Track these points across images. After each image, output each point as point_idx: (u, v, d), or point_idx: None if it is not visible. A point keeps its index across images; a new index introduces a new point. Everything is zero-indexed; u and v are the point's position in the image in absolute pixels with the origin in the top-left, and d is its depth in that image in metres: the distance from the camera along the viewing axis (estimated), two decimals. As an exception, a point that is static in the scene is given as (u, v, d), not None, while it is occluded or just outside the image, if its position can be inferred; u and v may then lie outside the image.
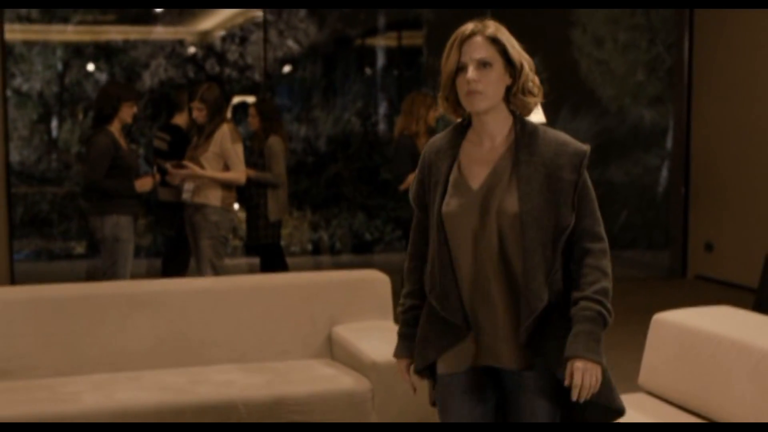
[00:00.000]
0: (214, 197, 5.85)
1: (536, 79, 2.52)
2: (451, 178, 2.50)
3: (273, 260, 6.79)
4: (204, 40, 11.43)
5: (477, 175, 2.48)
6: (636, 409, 3.33)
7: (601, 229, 2.48)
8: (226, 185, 5.93)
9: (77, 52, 10.92)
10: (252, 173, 6.38)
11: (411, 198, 2.62)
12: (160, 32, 11.35)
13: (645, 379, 3.65)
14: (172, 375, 4.10)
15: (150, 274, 8.35)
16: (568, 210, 2.42)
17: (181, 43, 11.42)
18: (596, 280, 2.42)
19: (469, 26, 2.47)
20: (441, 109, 2.53)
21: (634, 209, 10.70)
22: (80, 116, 10.62)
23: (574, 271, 2.46)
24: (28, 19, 10.36)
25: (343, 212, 10.79)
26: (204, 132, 5.94)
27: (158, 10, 10.91)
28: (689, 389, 3.38)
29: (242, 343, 4.37)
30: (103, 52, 10.97)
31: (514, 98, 2.50)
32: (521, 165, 2.43)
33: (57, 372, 4.11)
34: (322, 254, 10.70)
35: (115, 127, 5.80)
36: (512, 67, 2.47)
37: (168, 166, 5.94)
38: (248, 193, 6.57)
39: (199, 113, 5.93)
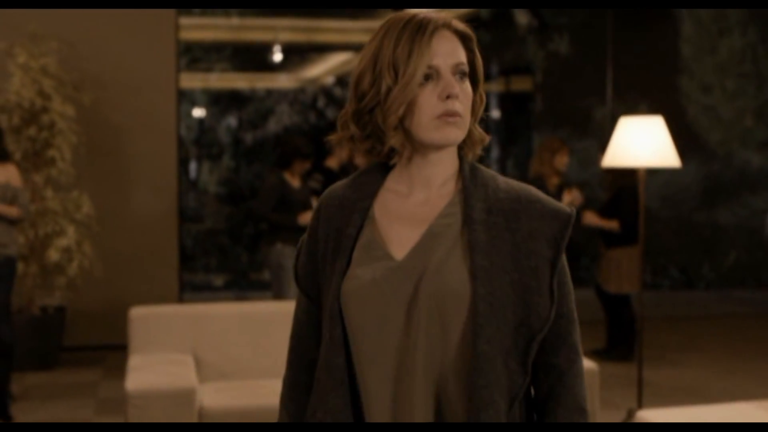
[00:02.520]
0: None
1: None
2: (360, 242, 1.64)
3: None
4: (321, 87, 12.24)
5: (402, 239, 1.62)
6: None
7: (578, 337, 1.64)
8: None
9: (214, 99, 11.89)
10: None
11: (294, 277, 1.75)
12: (283, 80, 12.23)
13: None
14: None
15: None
16: (544, 301, 1.58)
17: (303, 90, 12.28)
18: None
19: (428, 13, 1.64)
20: (344, 149, 1.88)
21: (743, 250, 11.14)
22: (223, 159, 11.54)
23: (536, 402, 1.67)
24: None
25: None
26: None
27: (277, 59, 11.80)
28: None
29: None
30: (235, 99, 11.90)
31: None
32: (475, 226, 1.58)
33: (264, 375, 4.86)
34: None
35: (288, 170, 6.68)
36: (475, 84, 1.68)
37: None
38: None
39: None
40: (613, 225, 6.97)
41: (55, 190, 6.93)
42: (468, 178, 1.65)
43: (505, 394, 1.55)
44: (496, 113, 12.09)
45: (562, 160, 7.21)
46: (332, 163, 7.73)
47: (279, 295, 6.62)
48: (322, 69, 12.37)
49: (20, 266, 6.42)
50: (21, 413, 5.70)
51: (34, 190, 6.75)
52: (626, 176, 6.90)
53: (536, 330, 1.58)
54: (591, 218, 7.01)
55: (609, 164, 5.47)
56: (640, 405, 5.37)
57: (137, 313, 4.90)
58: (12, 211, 5.70)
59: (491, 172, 1.69)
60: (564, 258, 1.63)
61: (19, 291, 6.54)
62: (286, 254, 6.59)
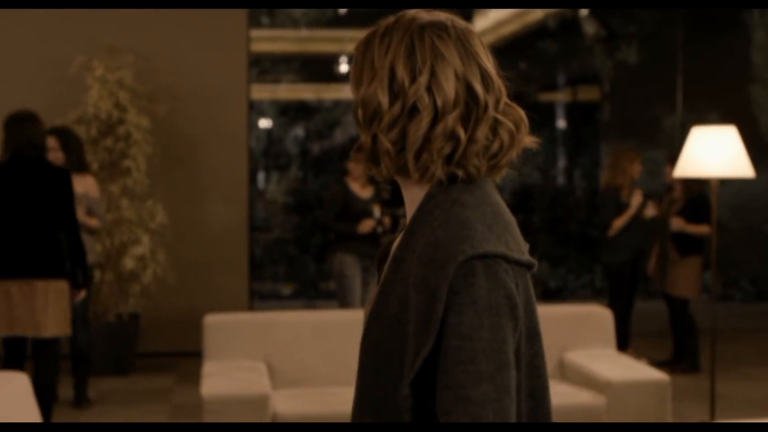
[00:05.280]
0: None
1: None
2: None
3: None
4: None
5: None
6: None
7: (464, 419, 1.34)
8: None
9: (282, 110, 12.04)
10: None
11: None
12: (349, 91, 12.31)
13: None
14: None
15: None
16: (410, 354, 1.40)
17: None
18: None
19: (448, 15, 1.55)
20: (384, 168, 1.48)
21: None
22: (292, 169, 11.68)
23: None
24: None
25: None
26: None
27: (344, 70, 11.91)
28: None
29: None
30: (302, 110, 12.04)
31: None
32: (395, 254, 1.48)
33: (335, 382, 4.93)
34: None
35: (353, 178, 6.75)
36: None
37: (404, 216, 6.82)
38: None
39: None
40: (702, 230, 6.91)
41: (131, 200, 7.09)
42: (420, 207, 1.47)
43: (374, 412, 1.45)
44: (562, 123, 12.04)
45: (637, 170, 7.17)
46: (400, 173, 7.80)
47: (343, 303, 6.70)
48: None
49: (97, 274, 6.58)
50: (97, 417, 5.85)
51: (110, 200, 6.92)
52: (700, 183, 6.86)
53: (404, 374, 1.40)
54: (679, 224, 6.95)
55: (681, 174, 5.43)
56: (713, 418, 5.32)
57: (211, 320, 5.01)
58: (92, 221, 5.87)
59: (447, 202, 1.43)
60: (462, 318, 1.35)
61: (95, 299, 6.71)
62: (346, 263, 6.68)
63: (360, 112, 1.48)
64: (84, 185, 5.87)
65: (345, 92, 12.16)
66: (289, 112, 12.01)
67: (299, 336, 5.01)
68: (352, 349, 5.00)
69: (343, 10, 11.03)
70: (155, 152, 7.24)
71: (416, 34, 1.46)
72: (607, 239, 7.10)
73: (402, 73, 1.43)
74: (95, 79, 6.99)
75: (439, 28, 1.47)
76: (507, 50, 11.75)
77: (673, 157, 6.78)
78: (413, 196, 1.49)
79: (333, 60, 11.77)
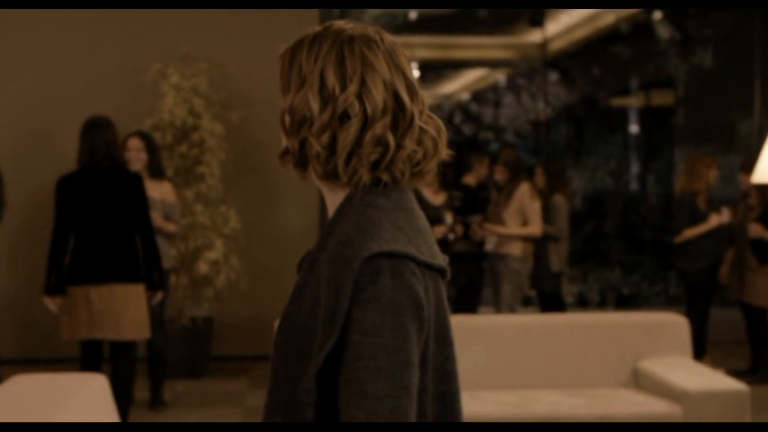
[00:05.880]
0: (515, 247, 6.64)
1: None
2: None
3: (553, 309, 7.44)
4: (457, 104, 12.28)
5: None
6: None
7: (363, 414, 1.34)
8: (525, 237, 6.71)
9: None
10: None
11: None
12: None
13: None
14: (506, 395, 4.83)
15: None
16: (316, 349, 1.43)
17: (439, 107, 12.34)
18: None
19: (376, 28, 1.59)
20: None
21: None
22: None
23: None
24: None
25: (600, 267, 11.29)
26: (505, 190, 6.75)
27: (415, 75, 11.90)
28: None
29: (559, 371, 5.04)
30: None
31: None
32: (311, 256, 1.53)
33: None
34: (586, 306, 11.18)
35: (424, 184, 6.75)
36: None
37: (476, 224, 6.81)
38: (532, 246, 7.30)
39: (501, 175, 6.76)
40: None
41: (205, 205, 7.19)
42: (333, 214, 1.53)
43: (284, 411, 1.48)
44: (635, 128, 11.88)
45: (713, 176, 7.05)
46: (470, 179, 7.77)
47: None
48: (459, 85, 12.43)
49: (172, 278, 6.69)
50: (171, 419, 5.93)
51: (185, 205, 7.02)
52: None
53: (301, 389, 1.43)
54: (757, 230, 6.81)
55: (759, 180, 5.32)
56: (793, 429, 5.19)
57: (284, 324, 5.05)
58: (169, 226, 5.96)
59: (362, 204, 1.48)
60: (366, 315, 1.37)
61: (170, 302, 6.81)
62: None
63: (288, 117, 1.52)
64: (161, 191, 5.97)
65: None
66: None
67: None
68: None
69: (413, 16, 11.04)
70: (229, 158, 7.33)
71: (346, 44, 1.50)
72: (684, 246, 6.98)
73: (332, 81, 1.47)
74: (170, 87, 7.11)
75: (368, 39, 1.52)
76: (578, 55, 11.66)
77: (749, 163, 6.65)
78: (335, 201, 1.53)
79: (403, 66, 11.77)
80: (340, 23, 1.56)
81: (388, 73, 1.49)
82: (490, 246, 6.78)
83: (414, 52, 11.47)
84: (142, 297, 5.13)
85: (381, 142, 1.46)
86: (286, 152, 1.55)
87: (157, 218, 5.74)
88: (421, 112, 1.52)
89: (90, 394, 3.29)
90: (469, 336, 5.03)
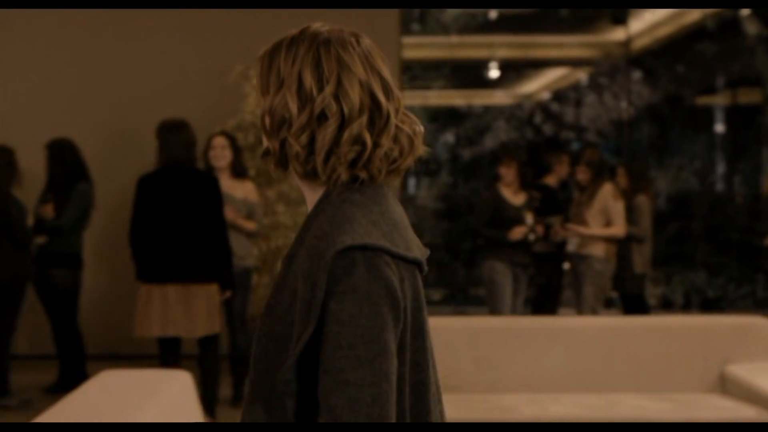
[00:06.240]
0: (597, 248, 6.56)
1: None
2: None
3: (636, 312, 7.32)
4: (538, 103, 12.18)
5: None
6: None
7: (342, 401, 1.39)
8: (608, 238, 6.63)
9: (432, 116, 12.09)
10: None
11: None
12: (499, 97, 12.26)
13: None
14: (587, 398, 4.77)
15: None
16: (294, 340, 1.47)
17: (519, 106, 12.25)
18: None
19: (352, 30, 1.64)
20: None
21: None
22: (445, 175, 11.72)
23: None
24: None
25: (685, 269, 11.08)
26: (587, 191, 6.68)
27: (494, 76, 11.83)
28: None
29: (642, 375, 4.96)
30: (452, 116, 12.05)
31: None
32: (290, 251, 1.56)
33: (486, 389, 4.90)
34: (670, 309, 10.99)
35: (504, 184, 6.70)
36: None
37: (557, 224, 6.74)
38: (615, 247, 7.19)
39: (583, 175, 6.68)
40: None
41: (286, 205, 7.25)
42: (311, 210, 1.57)
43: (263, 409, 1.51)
44: (721, 127, 11.64)
45: None
46: (551, 180, 7.69)
47: (493, 310, 6.66)
48: (539, 84, 12.34)
49: (254, 277, 6.76)
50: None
51: (267, 205, 7.09)
52: None
53: (279, 379, 1.48)
54: None
55: None
56: None
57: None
58: (249, 225, 6.03)
59: (338, 200, 1.52)
60: (342, 306, 1.41)
61: (252, 301, 6.89)
62: (497, 270, 6.61)
63: (268, 118, 1.56)
64: (243, 190, 6.05)
65: (496, 98, 12.10)
66: (439, 117, 12.05)
67: (449, 342, 5.00)
68: (503, 356, 4.97)
69: (493, 15, 10.98)
70: (310, 158, 7.37)
71: (322, 46, 1.54)
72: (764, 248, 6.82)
73: (310, 82, 1.51)
74: (253, 88, 7.19)
75: (344, 41, 1.56)
76: (663, 53, 11.47)
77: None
78: (314, 197, 1.57)
79: (483, 65, 11.73)
80: (316, 26, 1.60)
81: (364, 73, 1.53)
82: (572, 247, 6.72)
83: (494, 51, 11.41)
84: (216, 296, 5.23)
85: (358, 140, 1.50)
86: (267, 152, 1.59)
87: (236, 217, 5.82)
88: (397, 111, 1.55)
89: (175, 391, 3.34)
90: (548, 338, 4.98)
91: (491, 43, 11.51)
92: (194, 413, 3.38)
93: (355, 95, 1.50)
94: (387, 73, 1.56)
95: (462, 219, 11.15)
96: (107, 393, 3.12)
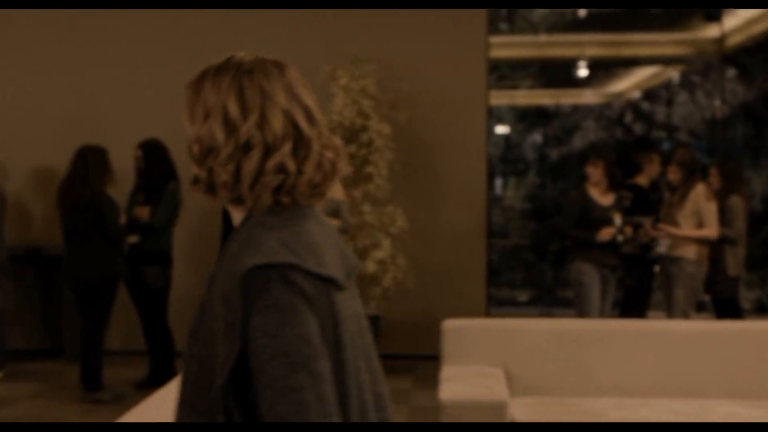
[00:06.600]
0: (689, 251, 6.42)
1: None
2: None
3: (729, 316, 7.13)
4: (628, 102, 11.97)
5: None
6: None
7: (289, 408, 1.44)
8: (700, 240, 6.48)
9: (520, 115, 11.99)
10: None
11: None
12: (588, 96, 12.08)
13: None
14: (677, 403, 4.66)
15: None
16: (221, 360, 1.52)
17: (609, 105, 12.06)
18: None
19: (274, 60, 1.70)
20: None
21: None
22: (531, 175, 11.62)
23: None
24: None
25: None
26: (679, 191, 6.54)
27: (583, 75, 11.66)
28: None
29: (735, 381, 4.83)
30: (540, 115, 11.93)
31: None
32: (211, 273, 1.64)
33: (574, 392, 4.83)
34: (764, 313, 10.70)
35: (592, 184, 6.61)
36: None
37: (647, 225, 6.61)
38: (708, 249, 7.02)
39: (675, 175, 6.54)
40: None
41: (372, 205, 7.27)
42: (232, 234, 1.64)
43: None
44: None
45: None
46: (642, 180, 7.55)
47: (581, 312, 6.56)
48: (629, 83, 12.13)
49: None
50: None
51: (353, 205, 7.12)
52: None
53: (211, 399, 1.53)
54: None
55: None
56: None
57: (450, 325, 5.04)
58: (334, 223, 6.07)
59: (254, 224, 1.59)
60: (267, 319, 1.47)
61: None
62: (585, 271, 6.51)
63: (196, 147, 1.62)
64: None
65: (584, 97, 11.94)
66: (527, 117, 11.94)
67: (537, 344, 4.95)
68: (591, 359, 4.89)
69: (582, 14, 10.84)
70: (396, 158, 7.39)
71: (246, 76, 1.60)
72: None
73: (234, 112, 1.57)
74: (340, 88, 7.23)
75: (267, 71, 1.62)
76: (758, 50, 11.16)
77: None
78: (239, 221, 1.64)
79: (572, 64, 11.58)
80: (241, 55, 1.66)
81: (286, 102, 1.58)
82: (663, 248, 6.58)
83: (583, 50, 11.26)
84: None
85: (282, 169, 1.56)
86: (196, 180, 1.63)
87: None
88: (320, 135, 1.61)
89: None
90: (638, 341, 4.89)
91: (580, 41, 11.36)
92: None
93: (278, 124, 1.56)
94: (310, 101, 1.62)
95: (549, 220, 11.03)
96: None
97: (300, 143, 1.58)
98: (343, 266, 1.63)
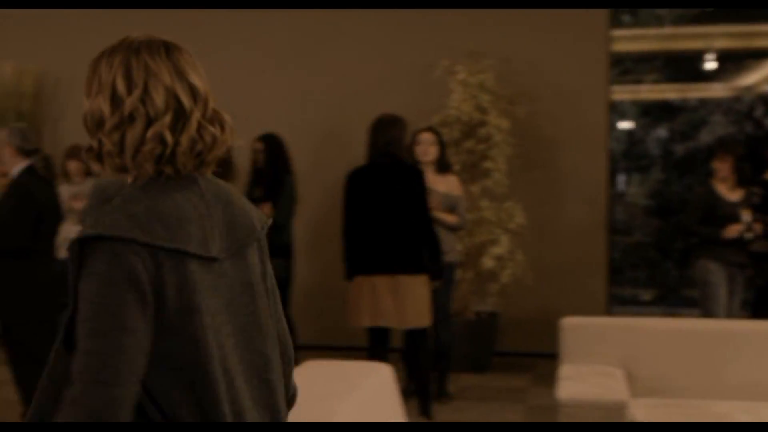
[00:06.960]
0: (825, 249, 6.13)
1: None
2: None
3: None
4: (759, 96, 11.55)
5: None
6: None
7: (79, 367, 1.58)
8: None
9: (644, 110, 11.70)
10: None
11: None
12: (716, 89, 11.70)
13: None
14: (809, 408, 4.45)
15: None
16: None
17: (738, 99, 11.65)
18: None
19: (164, 40, 1.81)
20: (107, 167, 1.75)
21: None
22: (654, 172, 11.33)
23: None
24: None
25: None
26: (812, 187, 6.25)
27: (710, 68, 11.28)
28: None
29: None
30: (665, 110, 11.61)
31: None
32: None
33: (698, 394, 4.67)
34: None
35: (719, 179, 6.39)
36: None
37: None
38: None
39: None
40: None
41: (490, 201, 7.20)
42: None
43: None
44: None
45: None
46: (774, 175, 7.26)
47: (706, 312, 6.35)
48: (760, 76, 11.69)
49: (458, 273, 6.76)
50: (455, 412, 6.00)
51: (471, 200, 7.07)
52: None
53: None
54: None
55: None
56: None
57: (569, 323, 4.95)
58: (450, 219, 6.04)
59: (123, 195, 1.72)
60: (86, 286, 1.61)
61: (456, 296, 6.89)
62: (711, 270, 6.30)
63: (89, 119, 1.75)
64: (446, 184, 6.06)
65: (712, 91, 11.57)
66: (651, 112, 11.64)
67: (659, 344, 4.81)
68: (716, 360, 4.71)
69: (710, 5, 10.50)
70: (515, 153, 7.31)
71: (134, 55, 1.73)
72: None
73: (121, 88, 1.70)
74: (458, 83, 7.19)
75: (153, 50, 1.74)
76: None
77: None
78: None
79: (699, 57, 11.23)
80: (134, 36, 1.77)
81: (169, 80, 1.71)
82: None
83: (711, 42, 10.90)
84: (425, 287, 5.28)
85: (160, 139, 1.69)
86: (90, 149, 1.77)
87: (436, 210, 5.83)
88: (205, 111, 1.75)
89: (375, 384, 3.37)
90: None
91: (708, 33, 11.00)
92: (391, 407, 3.39)
93: (159, 99, 1.70)
94: (196, 80, 1.75)
95: (674, 217, 10.72)
96: (308, 383, 3.19)
97: (180, 117, 1.71)
98: (229, 237, 1.76)
